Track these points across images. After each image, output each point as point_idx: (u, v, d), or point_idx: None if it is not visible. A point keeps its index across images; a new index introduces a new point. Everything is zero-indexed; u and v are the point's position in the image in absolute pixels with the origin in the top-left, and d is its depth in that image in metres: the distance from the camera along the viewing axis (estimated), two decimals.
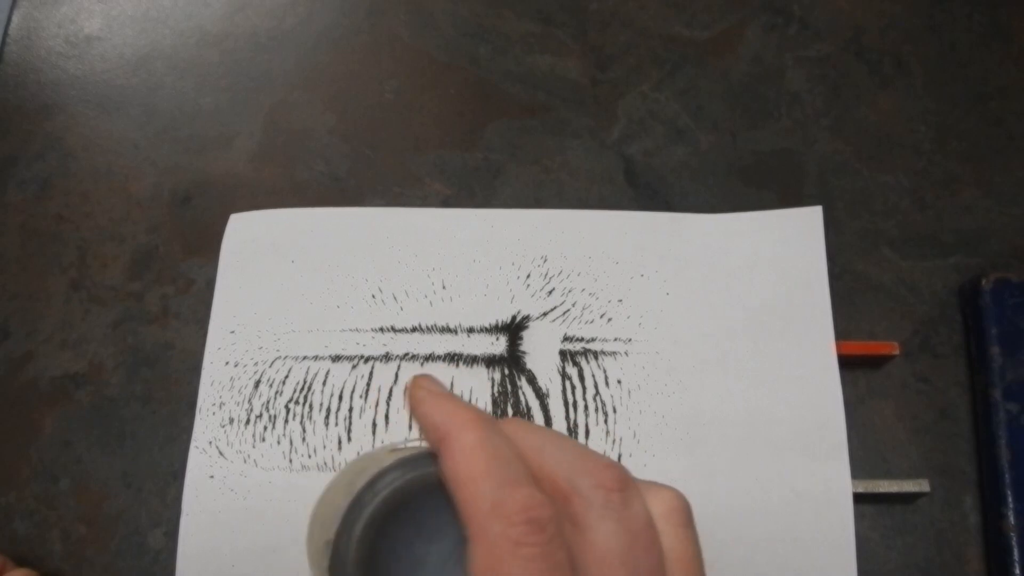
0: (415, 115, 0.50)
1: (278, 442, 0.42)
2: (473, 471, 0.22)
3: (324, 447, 0.41)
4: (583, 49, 0.51)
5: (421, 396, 0.25)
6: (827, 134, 0.48)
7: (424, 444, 0.24)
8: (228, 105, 0.50)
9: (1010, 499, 0.39)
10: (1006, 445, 0.40)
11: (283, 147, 0.49)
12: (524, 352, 0.43)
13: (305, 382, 0.43)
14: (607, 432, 0.41)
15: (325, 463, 0.41)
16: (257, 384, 0.43)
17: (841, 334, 0.42)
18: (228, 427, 0.42)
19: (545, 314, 0.43)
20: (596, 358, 0.42)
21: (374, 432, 0.42)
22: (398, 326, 0.43)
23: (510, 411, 0.42)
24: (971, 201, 0.46)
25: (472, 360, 0.43)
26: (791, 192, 0.47)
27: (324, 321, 0.44)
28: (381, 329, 0.43)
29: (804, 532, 0.39)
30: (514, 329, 0.43)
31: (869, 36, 0.50)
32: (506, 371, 0.42)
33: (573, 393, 0.42)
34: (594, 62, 0.50)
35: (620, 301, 0.43)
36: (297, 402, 0.42)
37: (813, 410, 0.41)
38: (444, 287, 0.44)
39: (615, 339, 0.43)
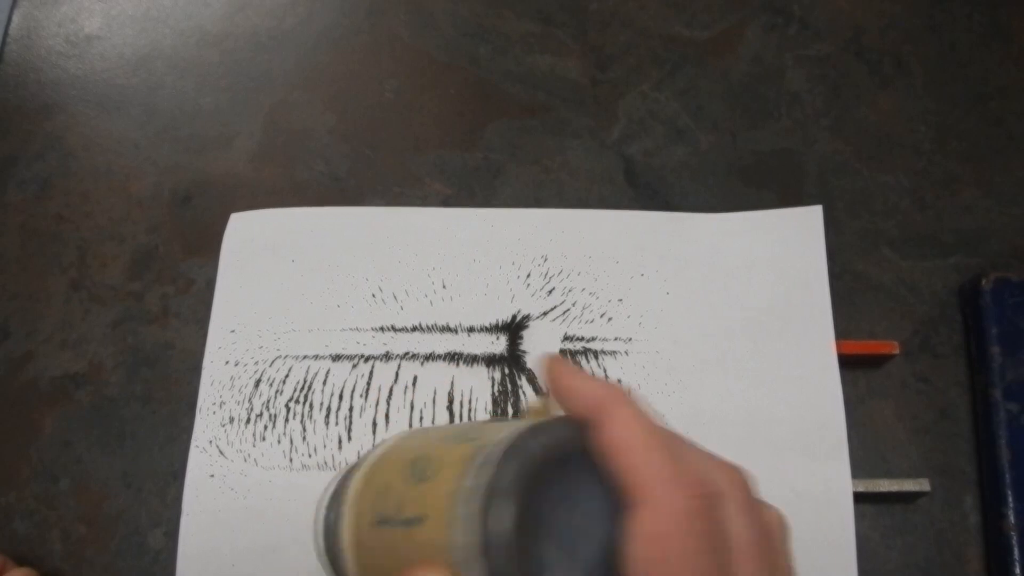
0: (415, 115, 0.50)
1: (278, 441, 0.42)
2: (645, 440, 0.22)
3: (324, 446, 0.41)
4: (583, 49, 0.51)
5: (565, 370, 0.25)
6: (827, 134, 0.48)
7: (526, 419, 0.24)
8: (228, 105, 0.50)
9: (1010, 499, 0.39)
10: (1006, 445, 0.40)
11: (283, 147, 0.49)
12: (524, 351, 0.43)
13: (305, 381, 0.43)
14: None
15: (325, 462, 0.41)
16: (257, 383, 0.43)
17: (841, 334, 0.42)
18: (228, 426, 0.42)
19: (545, 313, 0.43)
20: (596, 357, 0.42)
21: (374, 431, 0.42)
22: (398, 325, 0.43)
23: (510, 410, 0.42)
24: (971, 201, 0.46)
25: (472, 359, 0.43)
26: (791, 192, 0.47)
27: (324, 320, 0.44)
28: (381, 328, 0.43)
29: (804, 532, 0.39)
30: (514, 328, 0.43)
31: (869, 36, 0.50)
32: (506, 370, 0.42)
33: None
34: (594, 62, 0.50)
35: (620, 300, 0.43)
36: (297, 401, 0.42)
37: (813, 410, 0.41)
38: (444, 286, 0.44)
39: (615, 338, 0.43)
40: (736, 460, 0.40)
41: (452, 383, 0.42)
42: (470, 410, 0.42)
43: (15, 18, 0.53)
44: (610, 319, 0.43)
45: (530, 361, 0.43)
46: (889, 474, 0.41)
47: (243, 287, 0.45)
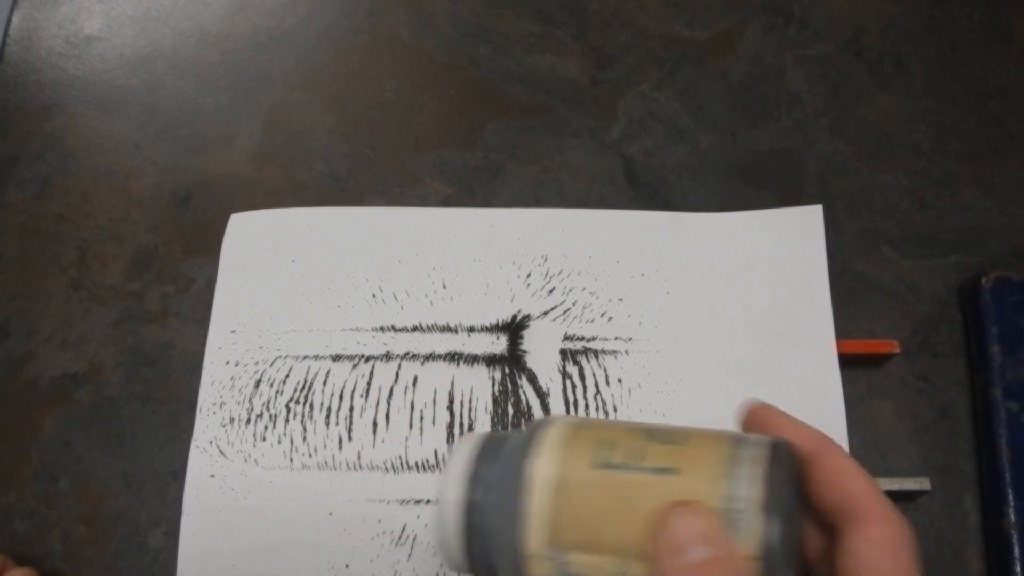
0: (415, 115, 0.50)
1: (279, 441, 0.42)
2: (864, 472, 0.26)
3: (325, 446, 0.41)
4: (583, 49, 0.51)
5: (777, 412, 0.29)
6: (827, 134, 0.48)
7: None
8: (228, 105, 0.50)
9: (1010, 497, 0.39)
10: (1006, 444, 0.40)
11: (283, 147, 0.49)
12: (525, 351, 0.43)
13: (306, 381, 0.43)
14: None
15: (326, 462, 0.41)
16: (258, 383, 0.43)
17: (841, 333, 0.42)
18: (229, 426, 0.42)
19: (545, 313, 0.43)
20: (597, 357, 0.42)
21: (374, 431, 0.42)
22: (398, 325, 0.43)
23: (511, 410, 0.42)
24: (971, 201, 0.46)
25: (473, 359, 0.43)
26: (791, 192, 0.47)
27: (325, 320, 0.44)
28: (382, 328, 0.43)
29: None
30: (515, 328, 0.43)
31: (869, 36, 0.50)
32: (507, 370, 0.42)
33: (574, 392, 0.42)
34: (594, 62, 0.50)
35: (620, 300, 0.43)
36: (298, 401, 0.42)
37: (813, 409, 0.40)
38: (444, 286, 0.44)
39: (615, 338, 0.43)
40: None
41: (452, 383, 0.42)
42: (470, 410, 0.42)
43: (15, 19, 0.53)
44: (610, 319, 0.43)
45: (531, 361, 0.43)
46: (889, 473, 0.41)
47: (243, 287, 0.45)
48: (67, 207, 0.48)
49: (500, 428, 0.28)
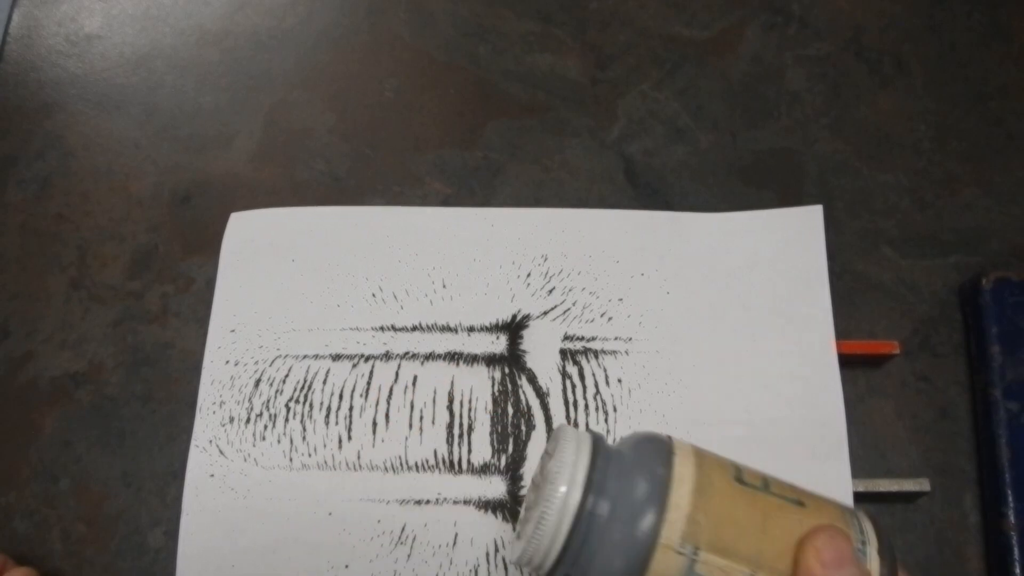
0: (415, 115, 0.50)
1: (278, 441, 0.42)
2: None
3: (324, 446, 0.41)
4: (583, 48, 0.51)
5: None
6: (827, 134, 0.48)
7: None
8: (228, 104, 0.50)
9: (1010, 498, 0.39)
10: (1006, 444, 0.40)
11: (283, 147, 0.49)
12: (524, 351, 0.43)
13: (305, 381, 0.43)
14: (607, 431, 0.41)
15: (325, 462, 0.41)
16: (257, 383, 0.43)
17: (841, 333, 0.42)
18: (228, 426, 0.42)
19: (545, 313, 0.43)
20: (596, 357, 0.42)
21: (374, 431, 0.42)
22: (398, 325, 0.43)
23: (510, 410, 0.42)
24: (971, 200, 0.46)
25: (472, 359, 0.43)
26: (791, 192, 0.47)
27: (324, 320, 0.44)
28: (381, 328, 0.43)
29: None
30: (514, 328, 0.43)
31: (869, 36, 0.50)
32: (506, 370, 0.42)
33: (573, 392, 0.42)
34: (594, 61, 0.50)
35: (620, 300, 0.43)
36: (297, 401, 0.42)
37: (813, 409, 0.41)
38: (444, 286, 0.44)
39: (615, 338, 0.43)
40: (736, 459, 0.40)
41: (452, 383, 0.42)
42: (470, 410, 0.42)
43: (15, 17, 0.53)
44: (610, 319, 0.43)
45: (531, 361, 0.43)
46: (889, 474, 0.41)
47: (243, 287, 0.45)
48: (67, 207, 0.48)
49: (563, 425, 0.28)
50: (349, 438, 0.42)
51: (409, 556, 0.40)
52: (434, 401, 0.42)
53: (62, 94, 0.51)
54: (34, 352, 0.45)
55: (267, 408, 0.42)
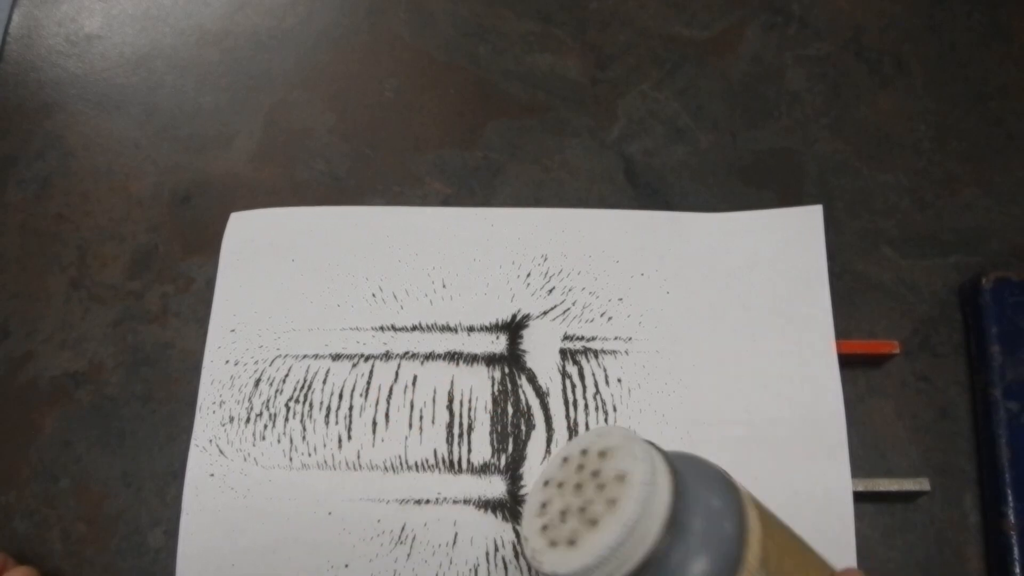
0: (415, 115, 0.50)
1: (278, 440, 0.42)
2: None
3: (324, 445, 0.41)
4: (583, 48, 0.51)
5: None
6: (827, 134, 0.48)
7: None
8: (228, 104, 0.50)
9: (1010, 498, 0.39)
10: (1006, 444, 0.40)
11: (283, 147, 0.49)
12: (524, 351, 0.43)
13: (305, 380, 0.43)
14: None
15: (325, 461, 0.41)
16: (257, 383, 0.43)
17: (841, 333, 0.42)
18: (228, 425, 0.42)
19: (545, 313, 0.43)
20: (596, 357, 0.42)
21: (374, 431, 0.42)
22: (398, 325, 0.43)
23: (510, 409, 0.42)
24: (971, 200, 0.46)
25: (472, 359, 0.43)
26: (791, 192, 0.47)
27: (324, 320, 0.44)
28: (381, 328, 0.43)
29: (804, 531, 0.39)
30: (514, 328, 0.43)
31: (869, 36, 0.50)
32: (506, 370, 0.42)
33: (573, 392, 0.42)
34: (594, 61, 0.50)
35: (620, 300, 0.43)
36: (297, 400, 0.42)
37: (813, 409, 0.41)
38: (444, 286, 0.44)
39: (615, 338, 0.43)
40: (736, 460, 0.40)
41: (452, 382, 0.42)
42: (470, 409, 0.42)
43: (15, 17, 0.53)
44: (610, 318, 0.43)
45: (530, 360, 0.43)
46: (889, 473, 0.41)
47: (243, 286, 0.45)
48: (67, 207, 0.48)
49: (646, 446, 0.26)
50: (349, 438, 0.42)
51: (409, 555, 0.40)
52: (434, 401, 0.42)
53: (62, 94, 0.51)
54: (34, 352, 0.45)
55: (267, 408, 0.42)
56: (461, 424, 0.42)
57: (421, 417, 0.42)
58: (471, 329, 0.43)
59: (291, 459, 0.41)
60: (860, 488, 0.39)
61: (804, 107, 0.49)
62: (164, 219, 0.48)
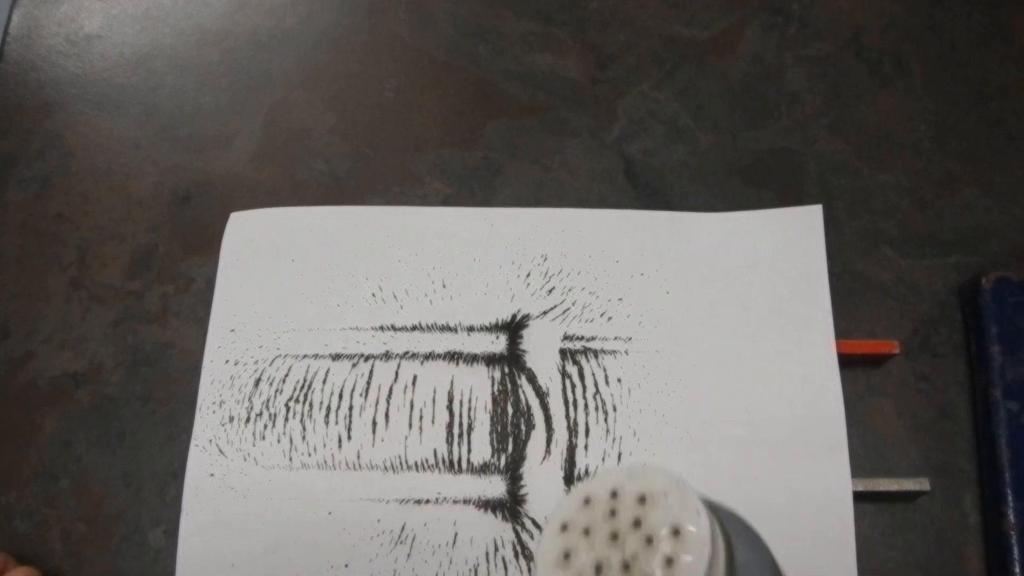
0: (415, 115, 0.50)
1: (278, 440, 0.42)
2: None
3: (324, 445, 0.41)
4: (583, 48, 0.51)
5: None
6: (827, 134, 0.48)
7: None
8: (228, 104, 0.50)
9: (1010, 498, 0.39)
10: (1006, 444, 0.40)
11: (283, 147, 0.49)
12: (524, 351, 0.43)
13: (305, 380, 0.43)
14: (607, 431, 0.41)
15: (325, 461, 0.41)
16: (257, 382, 0.43)
17: (841, 333, 0.42)
18: (228, 425, 0.42)
19: (545, 313, 0.43)
20: (596, 357, 0.42)
21: (374, 430, 0.42)
22: (398, 324, 0.43)
23: (510, 409, 0.42)
24: (971, 200, 0.46)
25: (472, 359, 0.43)
26: (791, 192, 0.47)
27: (324, 320, 0.44)
28: (381, 328, 0.43)
29: (804, 531, 0.39)
30: (514, 328, 0.43)
31: (869, 36, 0.50)
32: (506, 369, 0.42)
33: (573, 392, 0.42)
34: (594, 61, 0.50)
35: (620, 300, 0.43)
36: (297, 400, 0.42)
37: (813, 409, 0.41)
38: (444, 286, 0.44)
39: (615, 338, 0.43)
40: (736, 459, 0.40)
41: (452, 382, 0.42)
42: (470, 409, 0.42)
43: (15, 17, 0.53)
44: (610, 318, 0.43)
45: (530, 360, 0.43)
46: (889, 473, 0.41)
47: (243, 286, 0.45)
48: (67, 207, 0.48)
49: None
50: (349, 438, 0.42)
51: (409, 555, 0.40)
52: (434, 401, 0.42)
53: (62, 94, 0.51)
54: (34, 352, 0.45)
55: (267, 408, 0.42)
56: (461, 424, 0.42)
57: (421, 417, 0.42)
58: (471, 329, 0.43)
59: (291, 459, 0.41)
60: (860, 488, 0.39)
61: (804, 107, 0.49)
62: (164, 219, 0.48)
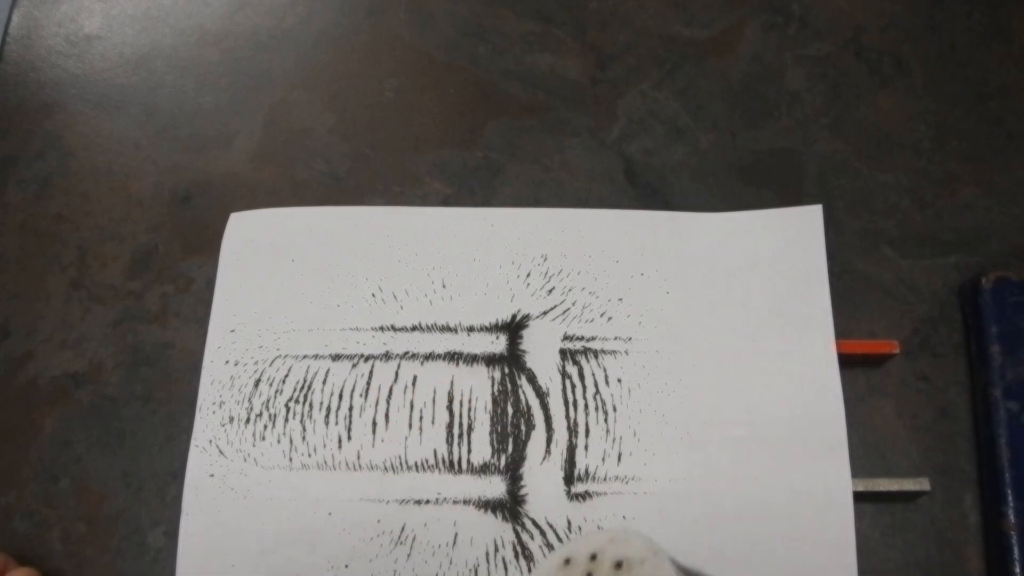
0: (415, 115, 0.50)
1: (278, 441, 0.42)
2: None
3: (324, 446, 0.41)
4: (583, 48, 0.51)
5: None
6: (827, 134, 0.48)
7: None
8: (228, 104, 0.50)
9: (1010, 498, 0.39)
10: (1006, 444, 0.40)
11: (283, 147, 0.49)
12: (524, 351, 0.43)
13: (305, 381, 0.43)
14: (607, 431, 0.41)
15: (325, 462, 0.41)
16: (257, 383, 0.43)
17: (841, 333, 0.42)
18: (228, 426, 0.42)
19: (545, 313, 0.43)
20: (596, 357, 0.42)
21: (374, 431, 0.42)
22: (398, 325, 0.43)
23: (510, 410, 0.42)
24: (971, 200, 0.46)
25: (472, 359, 0.43)
26: (791, 191, 0.47)
27: (324, 320, 0.44)
28: (381, 328, 0.43)
29: (804, 531, 0.39)
30: (514, 328, 0.43)
31: (869, 36, 0.50)
32: (506, 370, 0.42)
33: (573, 392, 0.42)
34: (594, 61, 0.50)
35: (620, 300, 0.43)
36: (297, 401, 0.42)
37: (813, 409, 0.41)
38: (444, 286, 0.44)
39: (615, 338, 0.43)
40: (736, 459, 0.40)
41: (452, 382, 0.42)
42: (470, 409, 0.42)
43: (15, 17, 0.53)
44: (610, 318, 0.43)
45: (530, 360, 0.43)
46: (889, 473, 0.41)
47: (243, 287, 0.45)
48: (67, 207, 0.48)
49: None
50: (349, 438, 0.42)
51: (409, 556, 0.40)
52: (434, 401, 0.42)
53: (62, 94, 0.51)
54: (34, 352, 0.45)
55: (267, 408, 0.42)
56: (461, 424, 0.42)
57: (421, 417, 0.42)
58: (471, 329, 0.43)
59: (291, 459, 0.41)
60: (860, 488, 0.39)
61: (804, 107, 0.49)
62: (164, 219, 0.48)
